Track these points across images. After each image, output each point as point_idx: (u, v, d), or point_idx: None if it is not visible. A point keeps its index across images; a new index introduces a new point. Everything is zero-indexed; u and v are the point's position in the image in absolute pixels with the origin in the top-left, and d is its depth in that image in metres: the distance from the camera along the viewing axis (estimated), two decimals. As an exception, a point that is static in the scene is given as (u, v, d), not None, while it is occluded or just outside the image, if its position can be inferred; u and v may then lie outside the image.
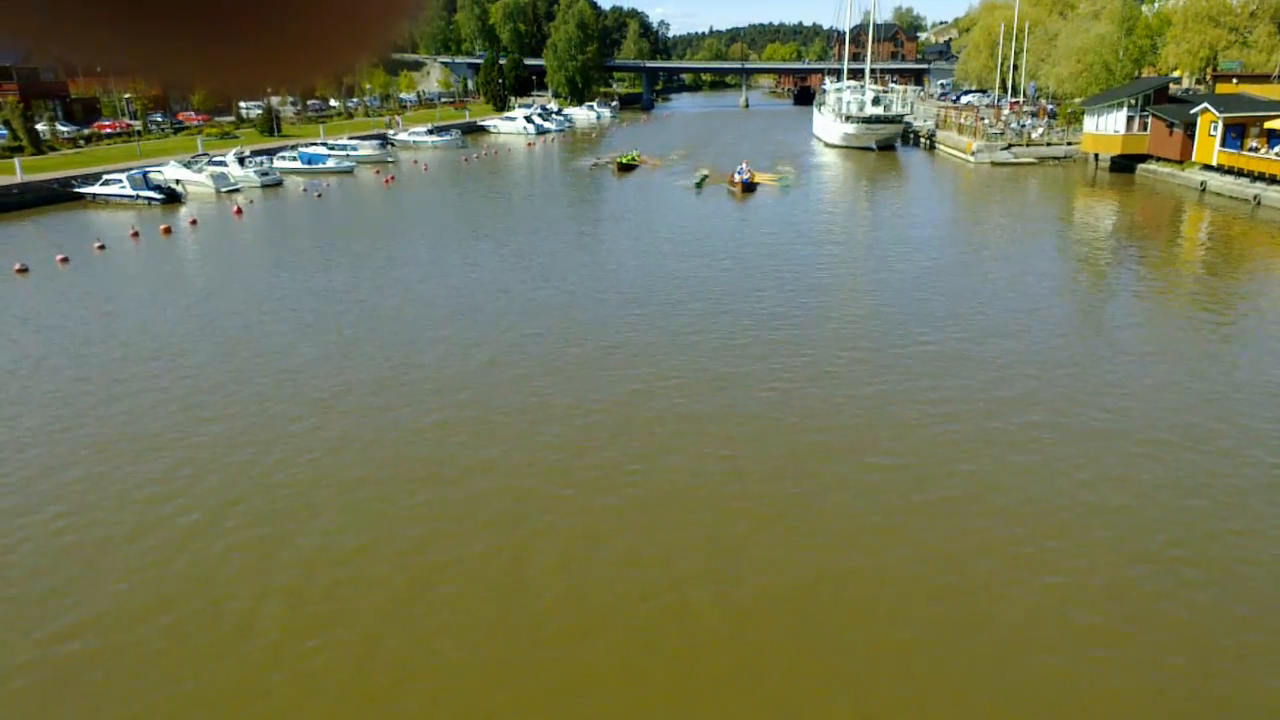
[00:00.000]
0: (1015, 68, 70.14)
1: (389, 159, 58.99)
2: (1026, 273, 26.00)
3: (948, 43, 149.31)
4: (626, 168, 53.05)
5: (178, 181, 43.61)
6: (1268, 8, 49.88)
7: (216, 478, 13.11)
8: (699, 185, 44.02)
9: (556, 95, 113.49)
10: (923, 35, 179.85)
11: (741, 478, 12.90)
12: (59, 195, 41.82)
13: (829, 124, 65.89)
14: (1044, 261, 28.50)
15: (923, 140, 63.62)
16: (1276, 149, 36.35)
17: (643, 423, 14.92)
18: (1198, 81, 52.63)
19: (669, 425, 14.78)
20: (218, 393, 16.59)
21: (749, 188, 41.46)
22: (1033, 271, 26.30)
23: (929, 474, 12.84)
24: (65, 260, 28.74)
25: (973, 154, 52.33)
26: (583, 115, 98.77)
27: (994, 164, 51.00)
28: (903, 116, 63.78)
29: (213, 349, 19.32)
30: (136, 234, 33.71)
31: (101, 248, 31.07)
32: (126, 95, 68.28)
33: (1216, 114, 38.75)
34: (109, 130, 64.27)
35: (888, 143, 60.79)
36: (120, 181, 41.01)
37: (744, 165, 44.17)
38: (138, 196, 40.56)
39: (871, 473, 12.98)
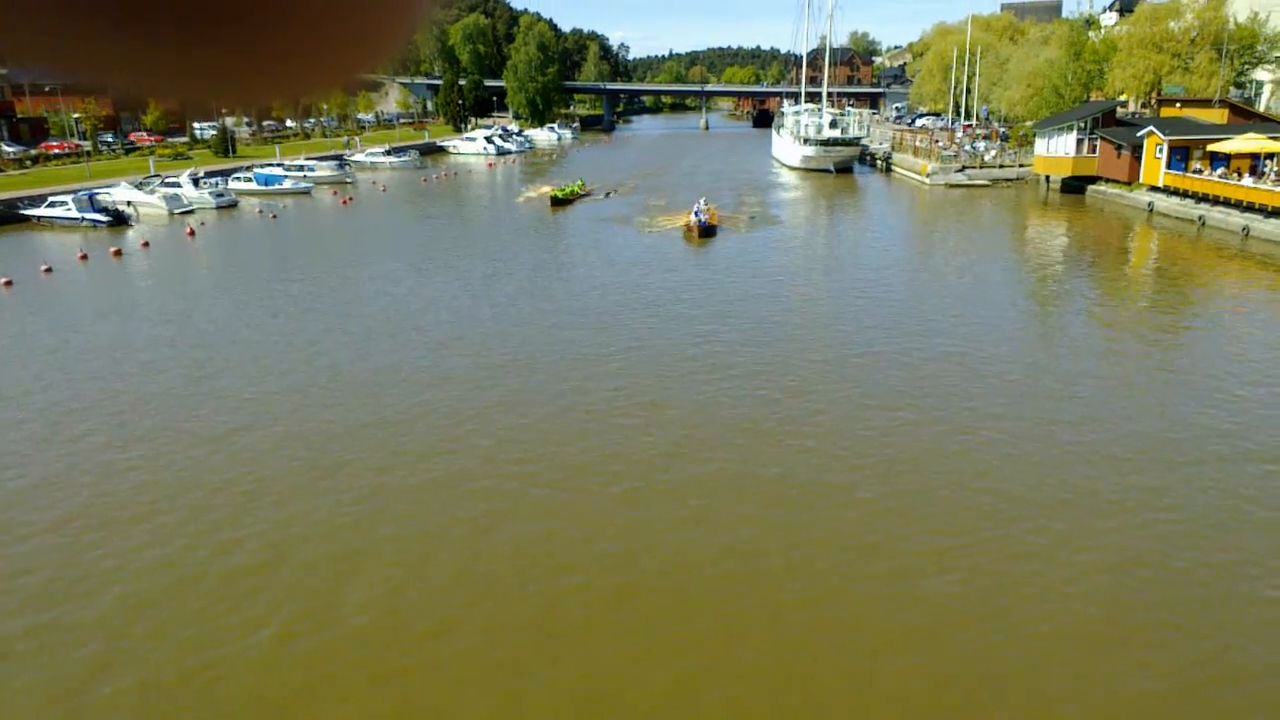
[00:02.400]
0: (968, 91, 71.71)
1: (347, 180, 58.36)
2: (988, 294, 26.42)
3: (902, 67, 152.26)
4: (562, 201, 45.82)
5: (128, 203, 42.68)
6: (1207, 35, 51.48)
7: (173, 513, 12.70)
8: (649, 226, 37.76)
9: (517, 116, 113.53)
10: (878, 60, 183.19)
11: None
12: (4, 217, 40.67)
13: (788, 146, 66.68)
14: (1003, 282, 28.91)
15: (879, 162, 64.65)
16: (1219, 171, 37.46)
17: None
18: (1143, 105, 54.14)
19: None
20: (160, 422, 16.12)
21: (706, 231, 35.18)
22: (993, 293, 26.72)
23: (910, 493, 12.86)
24: (9, 284, 27.92)
25: (928, 176, 53.21)
26: (544, 136, 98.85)
27: (949, 185, 51.89)
28: (859, 139, 64.77)
29: (158, 375, 18.81)
30: (85, 256, 32.87)
31: (48, 271, 30.24)
32: (76, 115, 66.89)
33: (1162, 137, 39.86)
34: (57, 151, 62.90)
35: (845, 165, 61.63)
36: (66, 204, 39.96)
37: (701, 203, 37.72)
38: (83, 219, 39.51)
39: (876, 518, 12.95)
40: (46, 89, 73.31)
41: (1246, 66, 54.78)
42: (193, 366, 19.35)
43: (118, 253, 33.73)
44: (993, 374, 18.29)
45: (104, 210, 40.27)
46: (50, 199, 40.92)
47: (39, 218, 40.38)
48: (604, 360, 19.39)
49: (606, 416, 16.03)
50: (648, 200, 46.20)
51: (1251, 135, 37.80)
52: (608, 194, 49.51)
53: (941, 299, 25.40)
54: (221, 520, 12.33)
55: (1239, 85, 55.69)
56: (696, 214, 36.04)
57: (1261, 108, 51.89)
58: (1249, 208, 34.29)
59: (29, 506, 12.82)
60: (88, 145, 63.67)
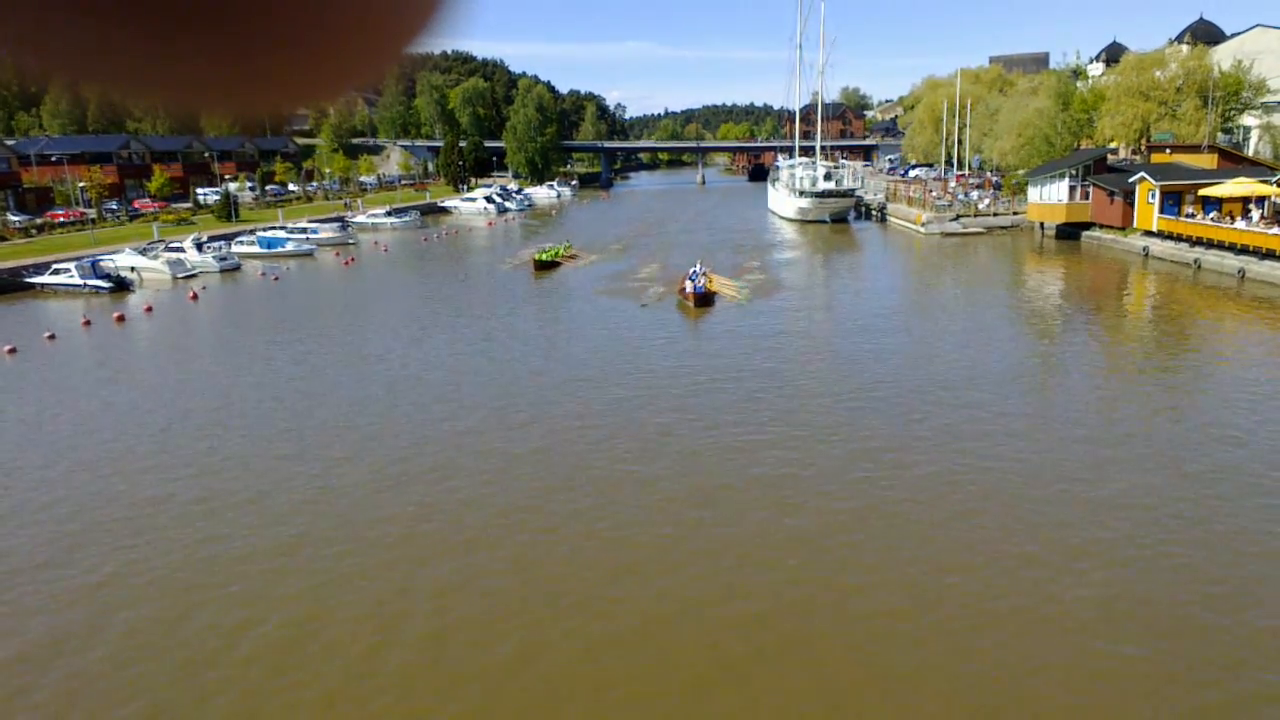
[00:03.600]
0: (959, 142, 72.75)
1: (349, 241, 58.99)
2: (993, 343, 26.43)
3: (894, 120, 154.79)
4: (546, 265, 42.61)
5: (132, 269, 43.08)
6: (1193, 83, 52.41)
7: (168, 585, 12.54)
8: (640, 294, 34.24)
9: (517, 175, 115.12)
10: (870, 113, 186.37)
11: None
12: (9, 285, 41.04)
13: (784, 199, 67.50)
14: (1008, 332, 28.91)
15: (874, 213, 65.33)
16: (1211, 215, 37.79)
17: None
18: (1133, 152, 54.86)
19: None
20: (158, 491, 16.03)
21: (704, 299, 31.66)
22: (998, 343, 26.73)
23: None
24: (13, 351, 28.06)
25: (923, 225, 53.70)
26: (543, 194, 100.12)
27: (944, 234, 52.33)
28: (854, 190, 65.60)
29: (154, 442, 18.76)
30: (88, 322, 33.08)
31: (51, 337, 30.39)
32: (81, 184, 67.86)
33: (1153, 183, 40.31)
34: (62, 219, 63.66)
35: (840, 215, 62.30)
36: (69, 271, 40.33)
37: (699, 266, 34.84)
38: (86, 285, 39.82)
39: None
40: (53, 158, 74.60)
41: (1233, 112, 55.62)
42: (192, 431, 19.31)
43: (120, 318, 33.91)
44: (1008, 429, 18.21)
45: (106, 276, 40.58)
46: (54, 266, 41.28)
47: (43, 285, 40.70)
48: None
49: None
50: (640, 262, 43.68)
51: (1242, 179, 38.21)
52: (590, 260, 45.67)
53: (948, 352, 25.37)
54: (224, 600, 12.18)
55: (1226, 130, 56.47)
56: (693, 279, 32.74)
57: (1250, 152, 52.54)
58: (1244, 250, 34.52)
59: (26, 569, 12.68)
60: (92, 213, 64.50)
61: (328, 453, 17.49)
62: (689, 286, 32.16)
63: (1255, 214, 36.00)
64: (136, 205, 75.82)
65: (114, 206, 71.58)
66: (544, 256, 43.62)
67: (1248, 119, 57.09)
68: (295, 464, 16.95)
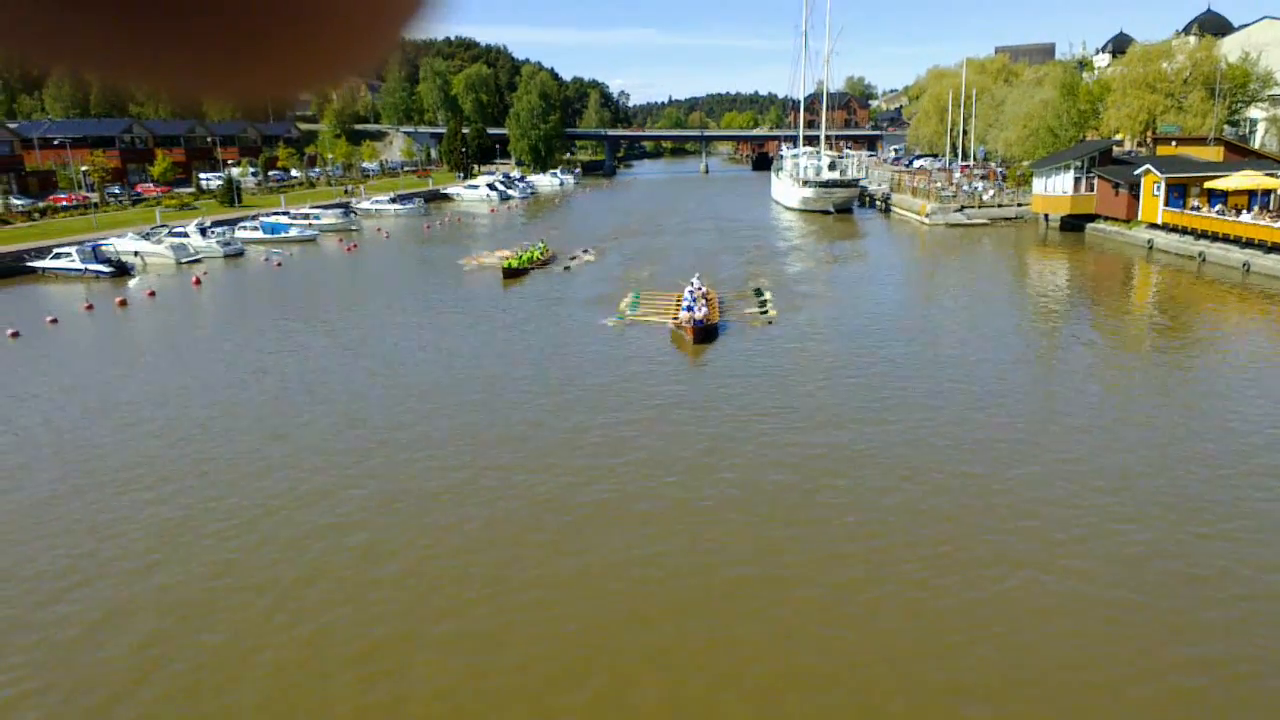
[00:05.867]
0: (964, 133, 72.41)
1: (352, 227, 58.89)
2: (1010, 339, 26.41)
3: (899, 110, 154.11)
4: (516, 272, 36.89)
5: (135, 253, 43.01)
6: (1199, 75, 52.14)
7: (169, 569, 12.58)
8: (625, 319, 27.31)
9: (520, 163, 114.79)
10: (874, 103, 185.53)
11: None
12: (10, 269, 41.00)
13: (787, 188, 67.26)
14: (1024, 328, 28.87)
15: (878, 203, 65.10)
16: (1217, 208, 37.63)
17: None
18: (1139, 144, 54.61)
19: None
20: (152, 476, 16.06)
21: (704, 333, 24.29)
22: (1015, 339, 26.71)
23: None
24: (15, 334, 28.06)
25: (927, 216, 53.53)
26: (546, 182, 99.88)
27: (949, 225, 52.16)
28: (858, 180, 65.36)
29: (158, 425, 18.79)
30: (90, 306, 33.07)
31: (54, 321, 30.40)
32: (84, 168, 67.75)
33: (1159, 175, 40.13)
34: (65, 203, 63.57)
35: (844, 205, 62.02)
36: (70, 255, 40.31)
37: (696, 281, 28.50)
38: (86, 270, 39.78)
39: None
40: (55, 142, 74.46)
41: (1239, 105, 55.35)
42: (192, 421, 19.33)
43: (123, 303, 33.89)
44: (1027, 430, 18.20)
45: (106, 261, 40.54)
46: (55, 250, 41.25)
47: (44, 269, 40.66)
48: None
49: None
50: (629, 269, 38.24)
51: (1248, 172, 38.08)
52: (567, 266, 39.68)
53: (968, 349, 25.36)
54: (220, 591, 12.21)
55: (1233, 123, 56.22)
56: (690, 304, 25.96)
57: (1256, 145, 52.35)
58: (1249, 244, 34.39)
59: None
60: (95, 197, 64.40)
61: (325, 443, 17.53)
62: (684, 312, 25.60)
63: (1256, 208, 35.90)
64: (139, 190, 75.72)
65: (116, 191, 71.43)
66: (515, 262, 37.96)
67: (1254, 111, 56.85)
68: (286, 448, 16.98)
